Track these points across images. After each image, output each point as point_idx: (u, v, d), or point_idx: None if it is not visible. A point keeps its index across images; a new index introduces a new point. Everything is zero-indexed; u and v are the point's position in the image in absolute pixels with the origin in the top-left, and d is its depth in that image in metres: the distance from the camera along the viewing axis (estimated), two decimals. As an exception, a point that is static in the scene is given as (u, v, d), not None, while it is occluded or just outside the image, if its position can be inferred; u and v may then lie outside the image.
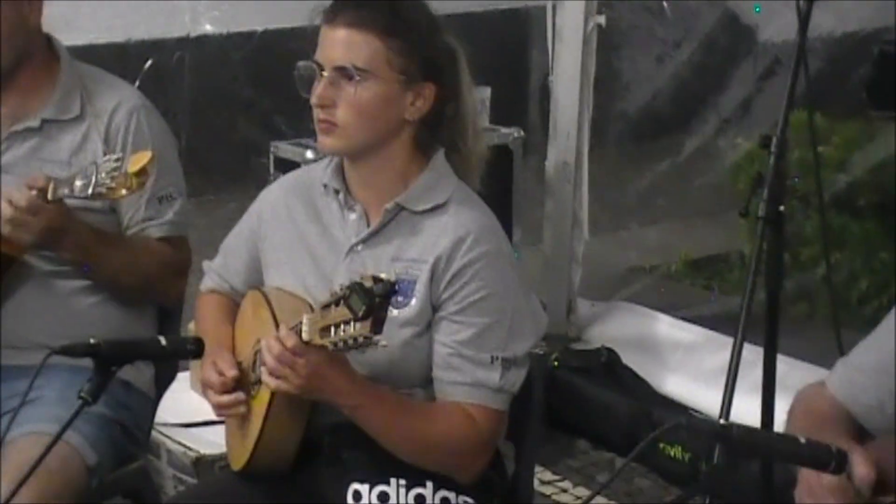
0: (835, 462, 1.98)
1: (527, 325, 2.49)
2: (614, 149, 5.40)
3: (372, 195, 2.51)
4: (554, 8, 4.81)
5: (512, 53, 5.51)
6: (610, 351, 4.66)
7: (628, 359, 4.64)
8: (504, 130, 4.70)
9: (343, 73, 2.40)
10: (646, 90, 5.28)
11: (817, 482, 2.08)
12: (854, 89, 4.24)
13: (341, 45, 2.41)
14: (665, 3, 5.18)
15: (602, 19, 4.75)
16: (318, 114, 2.44)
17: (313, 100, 2.43)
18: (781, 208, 2.90)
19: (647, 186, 5.41)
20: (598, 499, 4.06)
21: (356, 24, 2.40)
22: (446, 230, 2.45)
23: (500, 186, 4.60)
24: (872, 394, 2.26)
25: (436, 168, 2.52)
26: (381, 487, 2.45)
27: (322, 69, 2.43)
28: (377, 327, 2.13)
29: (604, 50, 4.90)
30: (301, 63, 2.47)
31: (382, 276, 2.13)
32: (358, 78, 2.39)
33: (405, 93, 2.43)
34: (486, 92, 4.67)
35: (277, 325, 2.41)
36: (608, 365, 4.62)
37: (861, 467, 2.05)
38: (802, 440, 2.02)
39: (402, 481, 2.44)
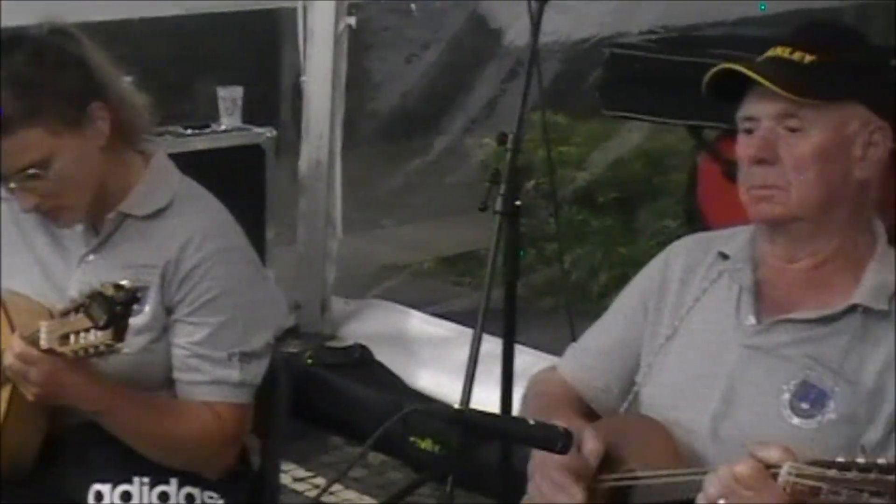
0: (561, 442, 2.08)
1: (265, 316, 2.51)
2: (367, 148, 5.47)
3: (97, 206, 2.47)
4: (305, 9, 4.84)
5: (263, 53, 5.51)
6: (363, 348, 4.73)
7: (382, 355, 4.71)
8: (256, 130, 4.70)
9: (29, 177, 2.35)
10: (396, 90, 5.37)
11: (549, 458, 2.17)
12: (591, 91, 4.43)
13: (5, 158, 2.33)
14: (413, 5, 5.28)
15: (352, 20, 4.81)
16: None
17: (29, 212, 2.41)
18: (518, 203, 3.03)
19: (399, 185, 5.50)
20: (350, 493, 4.13)
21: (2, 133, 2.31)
22: (174, 233, 2.44)
23: (253, 186, 4.61)
24: (600, 376, 2.36)
25: (155, 170, 2.50)
26: (123, 487, 2.44)
27: (9, 183, 2.37)
28: (120, 335, 2.13)
29: (355, 50, 4.95)
30: None
31: (124, 283, 2.12)
32: (43, 172, 2.35)
33: (83, 132, 2.38)
34: (238, 91, 4.67)
35: (13, 329, 2.37)
36: (362, 361, 4.69)
37: (590, 441, 2.14)
38: (532, 422, 2.11)
39: (146, 479, 2.44)
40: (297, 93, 4.94)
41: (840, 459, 1.73)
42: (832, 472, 1.72)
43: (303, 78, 4.89)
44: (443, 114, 5.35)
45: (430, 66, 5.34)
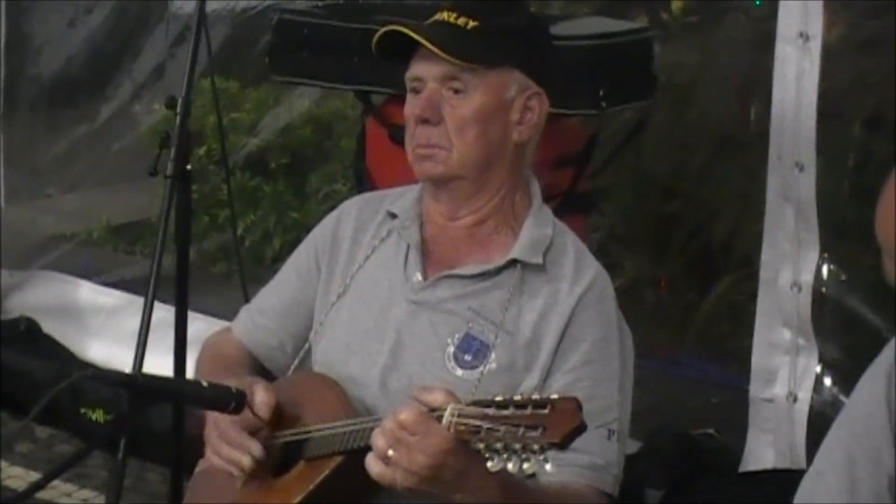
0: (234, 402, 2.10)
1: None
2: (29, 114, 5.26)
3: None
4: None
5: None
6: (30, 320, 4.60)
7: (50, 327, 4.59)
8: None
9: None
10: (59, 54, 5.20)
11: (222, 419, 2.18)
12: (261, 56, 4.43)
13: None
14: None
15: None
16: None
17: None
18: (188, 167, 3.01)
19: (64, 152, 5.32)
20: (17, 469, 4.00)
21: None
22: None
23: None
24: (273, 335, 2.39)
25: None
26: None
27: None
28: None
29: (13, 13, 4.76)
30: None
31: None
32: None
33: None
34: None
35: None
36: (28, 334, 4.56)
37: (260, 394, 2.16)
38: (205, 383, 2.12)
39: None
40: (-50, 58, 4.71)
41: (498, 398, 1.83)
42: (491, 411, 1.82)
43: (-45, 42, 4.67)
44: (109, 79, 5.22)
45: (94, 30, 5.19)
